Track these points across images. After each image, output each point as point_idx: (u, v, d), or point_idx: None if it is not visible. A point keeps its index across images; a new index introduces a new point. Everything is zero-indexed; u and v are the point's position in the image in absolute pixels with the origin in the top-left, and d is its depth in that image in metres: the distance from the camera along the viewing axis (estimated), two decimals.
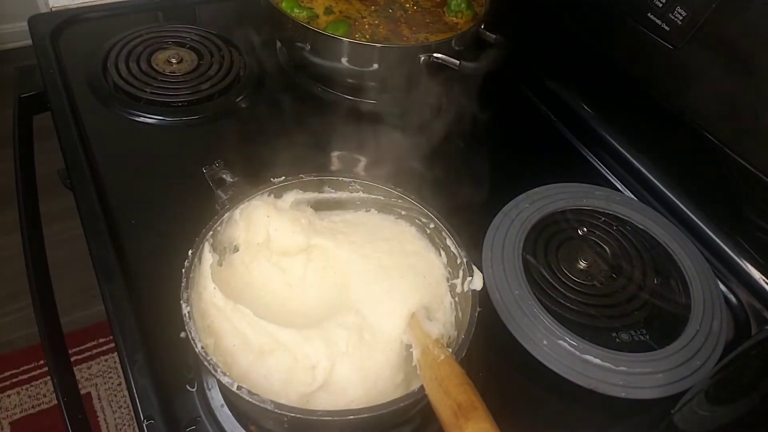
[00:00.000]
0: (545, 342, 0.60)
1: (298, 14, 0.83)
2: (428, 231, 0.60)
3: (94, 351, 1.58)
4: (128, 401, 1.48)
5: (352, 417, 0.43)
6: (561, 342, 0.60)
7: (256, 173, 0.61)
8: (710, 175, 0.76)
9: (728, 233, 0.75)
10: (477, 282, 0.52)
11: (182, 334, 0.46)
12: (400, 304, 0.53)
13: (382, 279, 0.55)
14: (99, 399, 1.50)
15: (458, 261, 0.55)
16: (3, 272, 1.68)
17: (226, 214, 0.56)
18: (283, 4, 0.84)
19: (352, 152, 0.83)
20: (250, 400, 0.43)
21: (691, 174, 0.79)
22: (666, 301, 0.67)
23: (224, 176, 0.61)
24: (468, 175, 0.72)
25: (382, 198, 0.61)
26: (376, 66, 0.81)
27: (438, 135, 0.78)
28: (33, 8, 1.40)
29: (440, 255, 0.58)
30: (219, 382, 0.44)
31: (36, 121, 0.89)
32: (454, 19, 0.90)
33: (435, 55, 0.80)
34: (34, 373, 1.52)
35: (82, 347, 1.58)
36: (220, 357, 0.49)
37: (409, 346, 0.51)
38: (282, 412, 0.43)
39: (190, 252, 0.51)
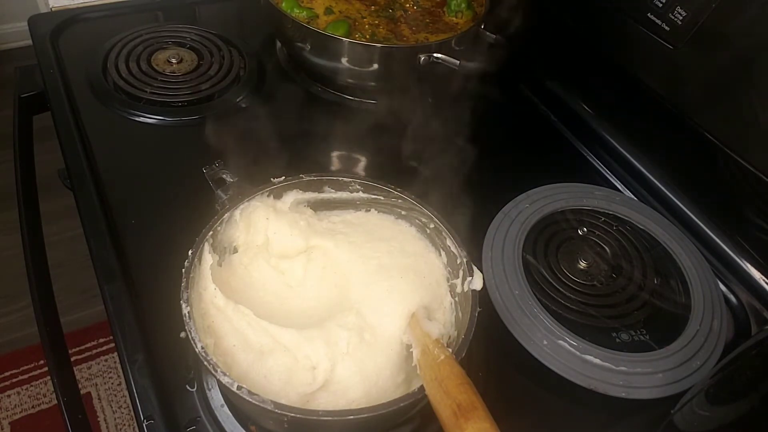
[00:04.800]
0: (545, 342, 0.60)
1: (298, 14, 0.83)
2: (428, 231, 0.60)
3: (94, 351, 1.58)
4: (128, 401, 1.48)
5: (352, 417, 0.43)
6: (561, 342, 0.60)
7: (256, 173, 0.60)
8: (710, 175, 0.76)
9: (728, 233, 0.75)
10: (477, 282, 0.52)
11: (182, 334, 0.46)
12: (400, 304, 0.53)
13: (382, 279, 0.55)
14: (99, 399, 1.50)
15: (458, 261, 0.55)
16: (3, 272, 1.68)
17: (226, 215, 0.56)
18: (283, 4, 0.84)
19: (352, 152, 0.83)
20: (250, 400, 0.43)
21: (691, 174, 0.79)
22: (666, 301, 0.67)
23: (224, 176, 0.61)
24: (468, 175, 0.72)
25: (382, 198, 0.61)
26: (376, 66, 0.81)
27: (438, 135, 0.77)
28: (33, 8, 1.40)
29: (440, 255, 0.58)
30: (219, 382, 0.44)
31: (36, 121, 0.89)
32: (454, 19, 0.90)
33: (435, 55, 0.80)
34: (34, 373, 1.52)
35: (82, 347, 1.58)
36: (220, 357, 0.49)
37: (409, 346, 0.51)
38: (282, 412, 0.43)
39: (190, 252, 0.51)
